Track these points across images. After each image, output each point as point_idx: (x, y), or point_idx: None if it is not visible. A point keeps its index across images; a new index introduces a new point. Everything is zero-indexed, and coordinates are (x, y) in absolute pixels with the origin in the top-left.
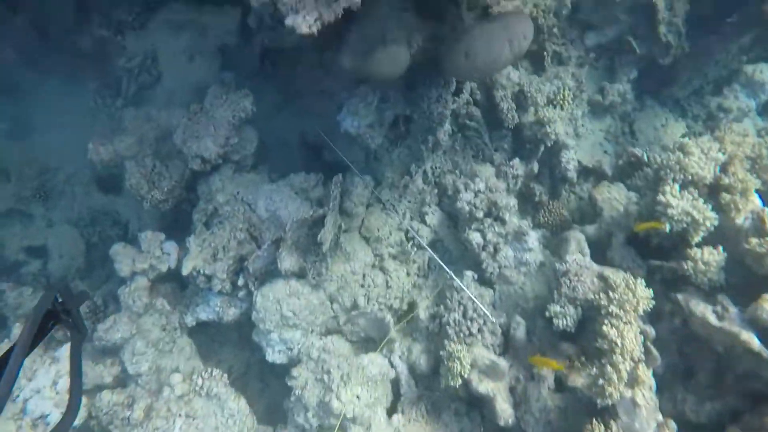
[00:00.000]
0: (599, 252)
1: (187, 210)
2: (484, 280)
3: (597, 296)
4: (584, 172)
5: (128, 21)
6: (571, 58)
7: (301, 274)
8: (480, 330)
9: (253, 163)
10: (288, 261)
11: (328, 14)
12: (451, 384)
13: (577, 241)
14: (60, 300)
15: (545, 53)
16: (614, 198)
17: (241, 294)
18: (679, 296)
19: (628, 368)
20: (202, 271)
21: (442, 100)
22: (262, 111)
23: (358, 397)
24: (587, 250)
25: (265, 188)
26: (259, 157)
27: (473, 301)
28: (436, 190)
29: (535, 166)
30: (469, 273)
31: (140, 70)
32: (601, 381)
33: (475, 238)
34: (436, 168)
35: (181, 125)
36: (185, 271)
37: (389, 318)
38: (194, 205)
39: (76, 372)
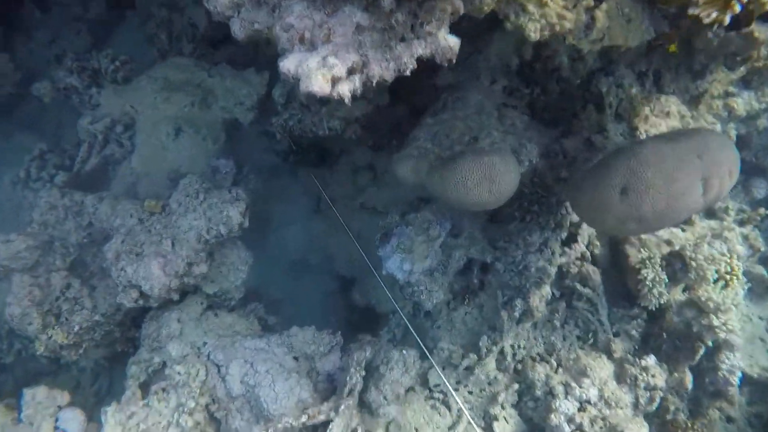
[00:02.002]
0: None
1: (128, 352)
2: None
3: None
4: (744, 383)
5: (109, 70)
6: (729, 210)
7: None
8: None
9: (239, 299)
10: None
11: (380, 66)
12: None
13: None
14: None
15: None
16: None
17: None
18: None
19: None
20: None
21: (547, 250)
22: (279, 219)
23: None
24: None
25: (248, 346)
26: (250, 291)
27: None
28: (516, 384)
29: (688, 377)
30: None
31: (107, 138)
32: None
33: None
34: (519, 348)
35: (121, 231)
36: None
37: None
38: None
39: None
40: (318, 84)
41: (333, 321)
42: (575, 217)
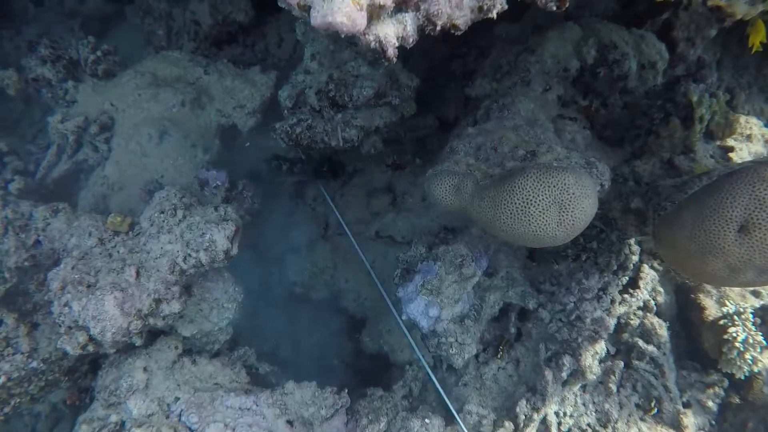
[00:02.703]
0: None
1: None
2: None
3: None
4: None
5: (89, 60)
6: None
7: None
8: None
9: (225, 342)
10: None
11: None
12: None
13: None
14: None
15: None
16: None
17: None
18: None
19: None
20: None
21: (606, 297)
22: (277, 245)
23: None
24: None
25: (231, 404)
26: (240, 333)
27: None
28: None
29: None
30: None
31: (79, 140)
32: None
33: None
34: (566, 416)
35: (74, 255)
36: None
37: None
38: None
39: None
40: (344, 12)
41: (337, 366)
42: (637, 257)
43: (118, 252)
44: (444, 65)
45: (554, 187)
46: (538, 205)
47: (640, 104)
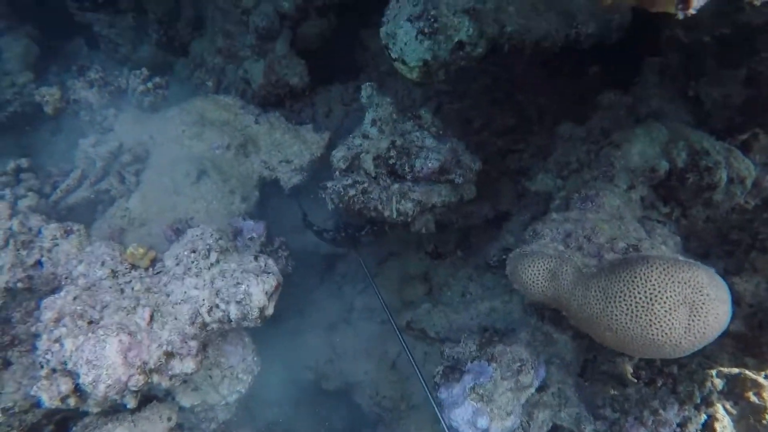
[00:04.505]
0: None
1: None
2: None
3: None
4: None
5: (137, 90)
6: None
7: None
8: None
9: (222, 422)
10: None
11: None
12: None
13: None
14: None
15: None
16: None
17: None
18: None
19: None
20: None
21: None
22: (298, 319)
23: None
24: None
25: None
26: (239, 413)
27: None
28: None
29: None
30: None
31: (107, 168)
32: None
33: None
34: None
35: (79, 283)
36: None
37: None
38: None
39: None
40: None
41: None
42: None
43: (133, 289)
44: (498, 159)
45: (686, 284)
46: (665, 303)
47: (729, 219)
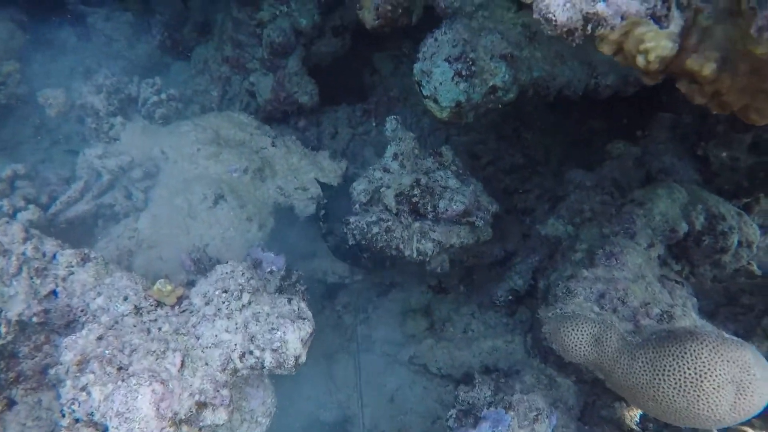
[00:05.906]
0: None
1: None
2: None
3: None
4: None
5: (149, 101)
6: None
7: None
8: None
9: None
10: None
11: None
12: None
13: None
14: None
15: None
16: None
17: None
18: None
19: None
20: None
21: None
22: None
23: None
24: None
25: None
26: None
27: None
28: None
29: None
30: None
31: (114, 182)
32: None
33: None
34: None
35: (101, 320)
36: None
37: None
38: None
39: None
40: None
41: None
42: None
43: (160, 330)
44: (505, 198)
45: (734, 363)
46: (713, 380)
47: (737, 281)
